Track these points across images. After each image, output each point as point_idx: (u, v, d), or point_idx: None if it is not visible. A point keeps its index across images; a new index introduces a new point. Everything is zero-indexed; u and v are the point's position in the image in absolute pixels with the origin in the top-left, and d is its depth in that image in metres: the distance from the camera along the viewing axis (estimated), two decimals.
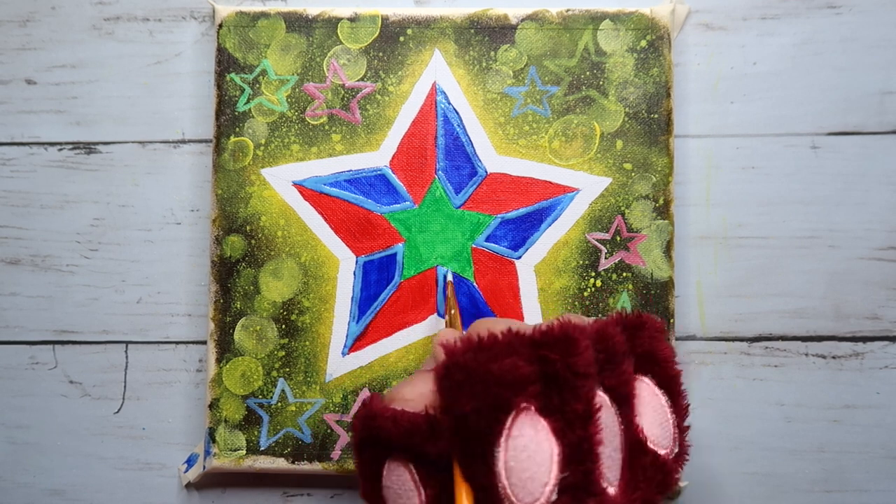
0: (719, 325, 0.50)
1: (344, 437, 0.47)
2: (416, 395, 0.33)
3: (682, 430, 0.36)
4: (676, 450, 0.35)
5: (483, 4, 0.51)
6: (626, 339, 0.35)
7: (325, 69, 0.50)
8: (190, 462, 0.49)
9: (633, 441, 0.33)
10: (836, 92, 0.50)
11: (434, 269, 0.49)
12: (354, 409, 0.48)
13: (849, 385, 0.49)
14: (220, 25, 0.50)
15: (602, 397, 0.33)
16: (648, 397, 0.35)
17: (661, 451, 0.34)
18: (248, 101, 0.49)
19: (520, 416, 0.31)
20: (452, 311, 0.42)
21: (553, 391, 0.31)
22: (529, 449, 0.30)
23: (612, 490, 0.32)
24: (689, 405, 0.36)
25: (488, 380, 0.31)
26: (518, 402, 0.31)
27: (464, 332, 0.37)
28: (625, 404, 0.34)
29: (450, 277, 0.47)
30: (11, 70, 0.52)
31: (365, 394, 0.48)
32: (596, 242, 0.48)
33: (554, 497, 0.30)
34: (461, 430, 0.31)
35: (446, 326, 0.42)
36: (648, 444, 0.34)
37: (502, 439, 0.30)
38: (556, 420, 0.31)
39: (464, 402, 0.31)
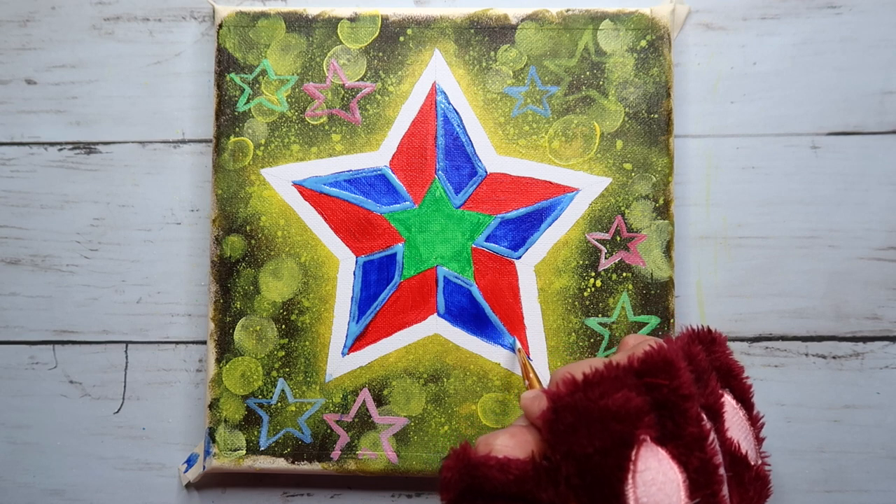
0: (719, 326, 0.50)
1: (344, 437, 0.47)
2: (515, 443, 0.32)
3: (759, 441, 0.35)
4: (759, 461, 0.34)
5: (483, 4, 0.51)
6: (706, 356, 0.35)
7: (325, 69, 0.50)
8: (190, 462, 0.49)
9: (733, 456, 0.33)
10: (836, 92, 0.50)
11: (434, 269, 0.48)
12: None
13: (849, 385, 0.49)
14: (220, 25, 0.50)
15: (704, 418, 0.32)
16: (731, 412, 0.34)
17: (754, 465, 0.34)
18: (248, 101, 0.49)
19: (641, 448, 0.30)
20: (532, 375, 0.41)
21: (666, 418, 0.31)
22: (658, 481, 0.30)
23: None
24: (763, 417, 0.36)
25: (605, 417, 0.30)
26: (638, 434, 0.30)
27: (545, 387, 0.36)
28: (717, 420, 0.33)
29: (518, 345, 0.47)
30: (11, 70, 0.52)
31: (365, 394, 0.48)
32: (596, 242, 0.48)
33: None
34: (585, 472, 0.30)
35: (528, 389, 0.42)
36: (748, 458, 0.33)
37: (629, 476, 0.29)
38: (675, 447, 0.30)
39: (584, 444, 0.30)
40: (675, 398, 0.31)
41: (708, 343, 0.36)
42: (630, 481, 0.29)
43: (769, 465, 0.35)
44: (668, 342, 0.33)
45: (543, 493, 0.30)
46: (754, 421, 0.35)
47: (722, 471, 0.31)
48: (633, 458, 0.30)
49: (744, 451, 0.33)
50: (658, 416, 0.31)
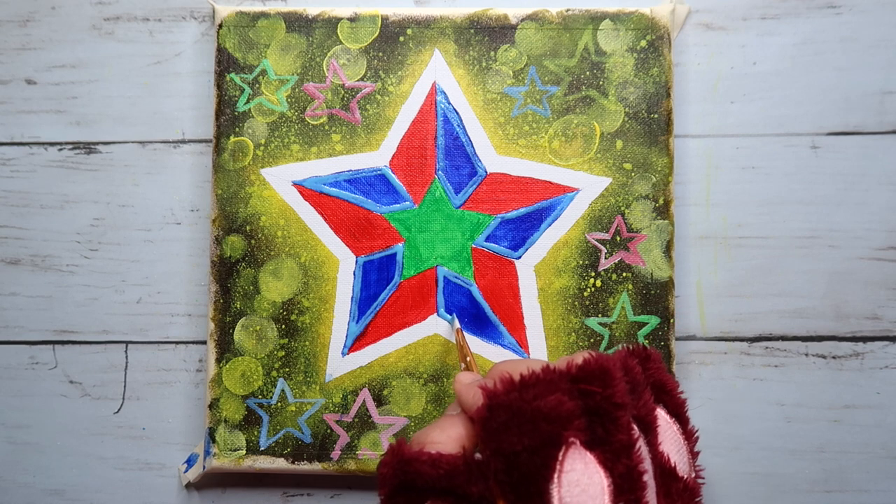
0: (719, 325, 0.50)
1: (344, 437, 0.47)
2: (447, 437, 0.33)
3: (693, 455, 0.36)
4: (693, 475, 0.35)
5: (483, 4, 0.51)
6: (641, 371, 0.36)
7: (325, 69, 0.50)
8: (190, 462, 0.49)
9: (663, 468, 0.34)
10: (836, 92, 0.50)
11: (434, 269, 0.49)
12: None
13: (849, 385, 0.49)
14: (220, 25, 0.50)
15: (634, 427, 0.33)
16: (665, 425, 0.35)
17: (685, 477, 0.35)
18: (247, 101, 0.49)
19: (569, 450, 0.31)
20: (469, 358, 0.42)
21: (596, 424, 0.32)
22: (582, 483, 0.30)
23: None
24: (698, 432, 0.37)
25: (536, 417, 0.31)
26: (567, 436, 0.31)
27: (481, 376, 0.37)
28: (649, 432, 0.34)
29: (458, 324, 0.47)
30: (11, 70, 0.52)
31: (365, 394, 0.48)
32: (596, 242, 0.48)
33: None
34: (512, 469, 0.31)
35: (463, 370, 0.43)
36: (677, 470, 0.34)
37: (555, 475, 0.30)
38: (602, 452, 0.31)
39: (514, 441, 0.31)
40: (608, 406, 0.32)
41: (643, 359, 0.37)
42: (555, 481, 0.30)
43: (703, 478, 0.36)
44: (606, 355, 0.35)
45: (473, 487, 0.32)
46: (689, 435, 0.37)
47: (646, 478, 0.32)
48: (559, 458, 0.31)
49: (673, 464, 0.34)
50: (589, 421, 0.32)
